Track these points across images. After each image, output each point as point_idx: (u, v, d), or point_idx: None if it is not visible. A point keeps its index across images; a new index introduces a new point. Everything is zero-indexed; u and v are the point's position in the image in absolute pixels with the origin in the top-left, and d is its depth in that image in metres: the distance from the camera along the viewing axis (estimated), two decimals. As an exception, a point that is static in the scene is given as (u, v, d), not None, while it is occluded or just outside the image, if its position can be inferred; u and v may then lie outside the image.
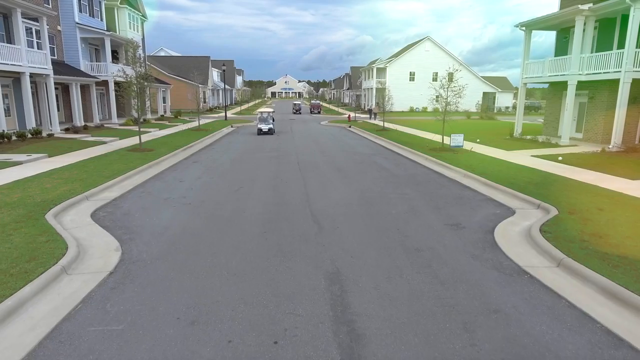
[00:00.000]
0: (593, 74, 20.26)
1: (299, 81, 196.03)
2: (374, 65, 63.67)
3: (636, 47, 19.03)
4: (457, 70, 21.60)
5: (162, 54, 71.52)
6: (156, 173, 14.77)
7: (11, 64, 20.03)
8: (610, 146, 19.24)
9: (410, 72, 60.70)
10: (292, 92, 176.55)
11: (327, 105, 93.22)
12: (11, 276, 5.87)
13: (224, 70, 46.23)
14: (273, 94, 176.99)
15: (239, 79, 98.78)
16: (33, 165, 14.64)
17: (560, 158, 17.09)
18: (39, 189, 11.29)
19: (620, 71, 18.63)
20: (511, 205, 10.74)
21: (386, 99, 34.41)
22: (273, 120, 29.57)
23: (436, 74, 61.06)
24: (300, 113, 58.92)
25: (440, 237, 8.20)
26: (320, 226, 8.83)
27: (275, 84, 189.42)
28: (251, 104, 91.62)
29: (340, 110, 69.98)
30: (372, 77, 62.59)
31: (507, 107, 67.60)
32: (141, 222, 9.09)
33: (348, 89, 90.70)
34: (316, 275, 6.37)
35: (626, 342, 4.71)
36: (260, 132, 28.63)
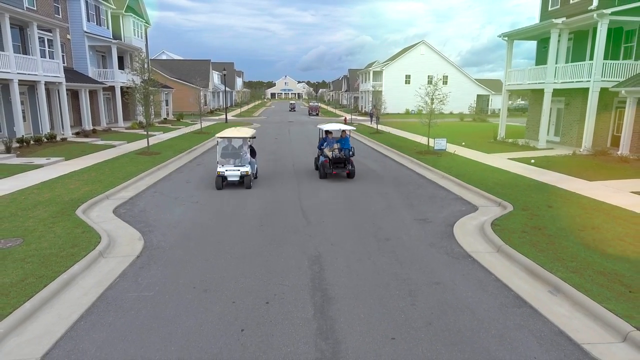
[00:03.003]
0: (567, 82, 21.89)
1: (298, 82, 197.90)
2: (370, 68, 65.34)
3: (604, 59, 20.69)
4: (442, 79, 23.12)
5: (164, 57, 73.16)
6: (165, 175, 16.37)
7: (28, 74, 21.65)
8: (581, 149, 20.88)
9: (406, 75, 62.34)
10: (291, 93, 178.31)
11: (325, 107, 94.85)
12: (62, 258, 7.49)
13: (224, 75, 47.85)
14: (273, 95, 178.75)
15: (238, 81, 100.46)
16: (53, 168, 16.24)
17: (532, 161, 18.71)
18: (64, 189, 12.90)
19: (589, 81, 20.26)
20: (476, 203, 12.35)
21: (380, 102, 36.12)
22: (253, 154, 15.09)
23: (431, 77, 62.61)
24: (294, 110, 74.72)
25: (408, 229, 9.83)
26: (308, 220, 10.45)
27: (274, 85, 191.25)
28: (251, 105, 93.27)
29: (338, 112, 71.65)
30: (369, 80, 64.27)
31: (500, 109, 69.17)
32: (157, 217, 10.70)
33: (346, 90, 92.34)
34: (301, 258, 7.99)
35: (528, 304, 6.33)
36: (221, 181, 13.76)
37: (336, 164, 15.50)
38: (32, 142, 20.73)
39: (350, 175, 15.66)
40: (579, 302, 6.19)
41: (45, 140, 21.92)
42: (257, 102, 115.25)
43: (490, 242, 8.85)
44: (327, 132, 16.36)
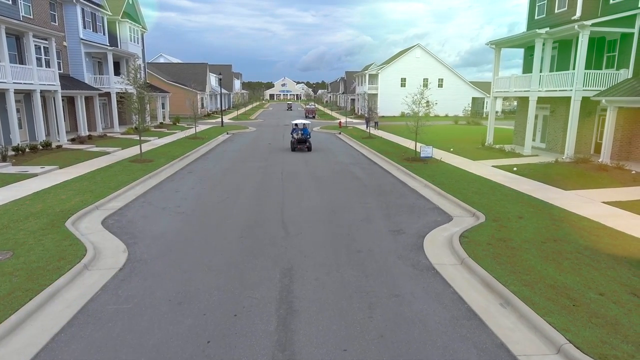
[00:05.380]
0: (551, 91, 22.38)
1: (297, 83, 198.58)
2: (366, 71, 65.86)
3: (587, 68, 21.21)
4: (428, 89, 23.59)
5: (162, 60, 73.65)
6: (155, 184, 16.84)
7: (24, 83, 22.14)
8: (564, 157, 21.37)
9: (402, 79, 62.81)
10: (290, 95, 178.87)
11: (322, 108, 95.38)
12: (48, 271, 7.98)
13: (220, 79, 48.30)
14: (271, 96, 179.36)
15: (237, 83, 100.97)
16: (47, 177, 16.73)
17: (515, 169, 19.19)
18: (56, 200, 13.39)
19: (572, 90, 20.75)
20: (452, 213, 12.84)
21: (375, 105, 36.58)
22: None
23: (426, 79, 63.13)
24: (291, 110, 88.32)
25: (381, 241, 10.32)
26: (287, 232, 10.94)
27: (273, 86, 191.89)
28: (248, 107, 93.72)
29: (334, 114, 72.14)
30: (364, 83, 64.79)
31: (495, 112, 69.64)
32: (143, 228, 11.19)
33: (343, 93, 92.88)
34: (274, 270, 8.48)
35: (478, 316, 6.82)
36: None
37: (299, 142, 26.56)
38: (27, 150, 21.22)
39: (309, 149, 26.60)
40: (525, 314, 6.67)
41: (41, 147, 22.41)
42: (255, 104, 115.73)
43: (455, 255, 9.34)
44: (295, 124, 28.36)
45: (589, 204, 13.26)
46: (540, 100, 23.64)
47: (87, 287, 7.74)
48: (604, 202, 13.45)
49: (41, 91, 23.98)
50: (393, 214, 12.75)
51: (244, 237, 10.54)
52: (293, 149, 26.69)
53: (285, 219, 12.07)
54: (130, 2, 40.94)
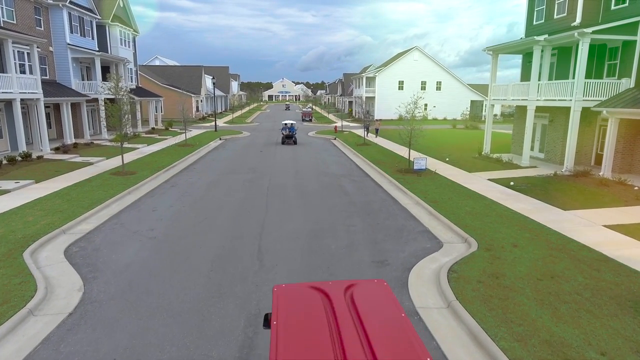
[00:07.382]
0: (549, 100, 21.52)
1: (296, 83, 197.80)
2: (364, 74, 65.02)
3: (588, 76, 20.36)
4: (421, 97, 22.76)
5: (157, 62, 72.83)
6: (133, 201, 15.98)
7: (3, 92, 21.31)
8: (563, 169, 20.51)
9: (399, 81, 61.98)
10: (289, 96, 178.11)
11: (320, 111, 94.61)
12: (-16, 321, 7.15)
13: (214, 83, 47.53)
14: (270, 97, 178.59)
15: (234, 85, 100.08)
16: (19, 194, 15.90)
17: (512, 183, 18.35)
18: (22, 222, 12.57)
19: (571, 100, 19.90)
20: (443, 238, 12.01)
21: (373, 109, 35.79)
22: None
23: (424, 82, 62.40)
24: (289, 110, 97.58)
25: (361, 275, 9.47)
26: (261, 264, 10.10)
27: (272, 86, 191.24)
28: (245, 109, 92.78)
29: (331, 117, 71.39)
30: (362, 86, 63.94)
31: (495, 115, 68.80)
32: (107, 258, 10.36)
33: (341, 95, 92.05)
34: (239, 317, 7.64)
35: (462, 381, 5.99)
36: None
37: (287, 137, 33.83)
38: (4, 162, 20.39)
39: (295, 142, 33.98)
40: (515, 381, 5.85)
41: (20, 159, 21.58)
42: (253, 106, 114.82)
43: (442, 295, 8.50)
44: (285, 123, 35.34)
45: (590, 228, 12.41)
46: (539, 109, 22.79)
47: (26, 339, 6.92)
48: (605, 226, 12.59)
49: (22, 99, 23.16)
50: (379, 239, 11.92)
51: (214, 270, 9.71)
52: (282, 142, 33.89)
53: (263, 247, 11.23)
54: (121, 5, 40.14)
